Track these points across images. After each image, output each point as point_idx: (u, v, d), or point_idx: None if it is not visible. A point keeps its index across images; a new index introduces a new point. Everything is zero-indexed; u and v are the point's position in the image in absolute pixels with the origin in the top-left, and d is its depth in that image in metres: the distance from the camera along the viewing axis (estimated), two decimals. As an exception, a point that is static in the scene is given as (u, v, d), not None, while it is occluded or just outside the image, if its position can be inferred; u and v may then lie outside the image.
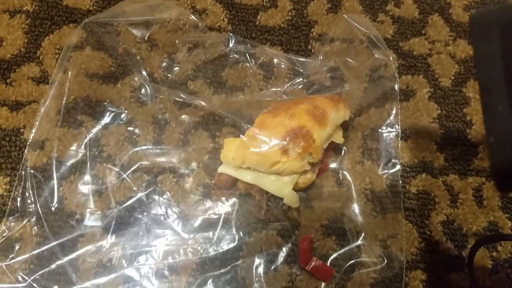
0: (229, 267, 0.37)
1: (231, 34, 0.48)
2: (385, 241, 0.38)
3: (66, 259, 0.37)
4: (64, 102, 0.44)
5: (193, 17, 0.46)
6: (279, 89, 0.46)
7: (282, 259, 0.37)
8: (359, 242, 0.38)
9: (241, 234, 0.38)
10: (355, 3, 0.51)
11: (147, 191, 0.40)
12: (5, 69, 0.46)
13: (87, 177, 0.40)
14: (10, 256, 0.37)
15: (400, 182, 0.41)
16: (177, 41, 0.46)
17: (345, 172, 0.42)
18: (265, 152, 0.37)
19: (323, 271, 0.36)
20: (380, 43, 0.44)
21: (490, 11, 0.31)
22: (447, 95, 0.47)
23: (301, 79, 0.46)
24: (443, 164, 0.43)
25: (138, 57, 0.46)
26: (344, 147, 0.42)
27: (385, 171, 0.41)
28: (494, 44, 0.26)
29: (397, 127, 0.42)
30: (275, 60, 0.47)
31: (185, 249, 0.37)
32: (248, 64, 0.47)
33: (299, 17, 0.50)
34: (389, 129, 0.43)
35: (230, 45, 0.48)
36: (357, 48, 0.46)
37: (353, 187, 0.41)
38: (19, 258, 0.37)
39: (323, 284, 0.36)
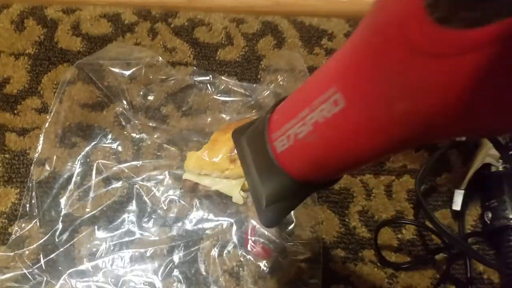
0: (192, 253, 0.48)
1: (195, 67, 0.58)
2: (313, 227, 0.49)
3: (63, 249, 0.46)
4: (61, 127, 0.52)
5: (161, 58, 0.56)
6: (235, 107, 0.57)
7: (233, 244, 0.48)
8: (291, 227, 0.49)
9: (203, 226, 0.49)
10: (296, 40, 0.62)
11: (129, 195, 0.49)
12: (12, 102, 0.55)
13: (80, 187, 0.50)
14: (21, 250, 0.47)
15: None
16: (151, 76, 0.56)
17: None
18: (218, 161, 0.48)
19: (264, 252, 0.47)
20: (313, 71, 0.56)
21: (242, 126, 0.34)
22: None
23: (251, 102, 0.57)
24: (361, 166, 0.54)
25: (120, 89, 0.54)
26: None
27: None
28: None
29: None
30: (231, 88, 0.57)
31: (159, 239, 0.48)
32: (209, 91, 0.56)
33: (250, 52, 0.60)
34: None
35: (195, 76, 0.57)
36: (296, 76, 0.57)
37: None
38: (28, 251, 0.47)
39: (264, 261, 0.47)
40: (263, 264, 0.46)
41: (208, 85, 0.57)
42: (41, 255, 0.46)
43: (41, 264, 0.45)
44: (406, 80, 0.18)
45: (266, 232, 0.48)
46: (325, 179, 0.28)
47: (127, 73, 0.55)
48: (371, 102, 0.21)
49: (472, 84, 0.16)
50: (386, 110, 0.20)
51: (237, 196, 0.48)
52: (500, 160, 0.51)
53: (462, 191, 0.51)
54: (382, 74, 0.19)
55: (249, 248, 0.47)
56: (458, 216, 0.51)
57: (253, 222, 0.48)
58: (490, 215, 0.50)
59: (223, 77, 0.57)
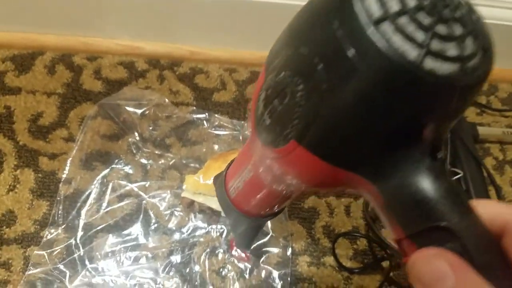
0: (187, 256, 0.59)
1: (195, 107, 0.71)
2: (285, 238, 0.61)
3: (83, 250, 0.57)
4: (84, 153, 0.64)
5: (167, 100, 0.69)
6: (225, 139, 0.69)
7: (220, 250, 0.59)
8: (268, 237, 0.60)
9: (197, 235, 0.61)
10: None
11: (138, 209, 0.61)
12: (45, 132, 0.66)
13: (98, 201, 0.62)
14: (50, 250, 0.58)
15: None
16: (158, 114, 0.69)
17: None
18: (210, 183, 0.60)
19: (245, 256, 0.58)
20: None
21: None
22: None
23: (239, 136, 0.69)
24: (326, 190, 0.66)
25: (132, 124, 0.67)
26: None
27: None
28: None
29: None
30: (223, 124, 0.69)
31: (160, 244, 0.60)
32: (205, 126, 0.68)
33: (240, 96, 0.73)
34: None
35: (194, 114, 0.69)
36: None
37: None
38: (56, 251, 0.58)
39: (244, 264, 0.58)
40: (243, 266, 0.58)
41: (204, 121, 0.70)
42: (65, 255, 0.57)
43: (66, 262, 0.56)
44: (267, 165, 0.31)
45: (247, 241, 0.60)
46: (266, 214, 0.41)
47: (139, 111, 0.68)
48: (262, 174, 0.34)
49: (286, 171, 0.29)
50: (271, 178, 0.33)
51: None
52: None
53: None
54: (260, 161, 0.33)
55: (233, 253, 0.59)
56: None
57: (237, 232, 0.60)
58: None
59: (217, 115, 0.70)
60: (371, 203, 0.27)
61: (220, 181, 0.42)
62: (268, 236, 0.60)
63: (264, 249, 0.59)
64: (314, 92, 0.22)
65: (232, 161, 0.41)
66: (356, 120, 0.22)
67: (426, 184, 0.23)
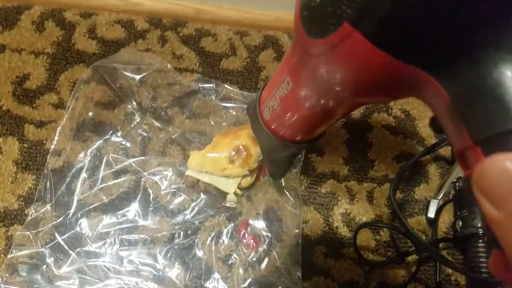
0: (190, 241, 0.53)
1: (200, 75, 0.62)
2: (298, 225, 0.54)
3: (74, 231, 0.51)
4: (75, 122, 0.56)
5: (169, 65, 0.61)
6: (234, 114, 0.62)
7: (228, 235, 0.53)
8: (281, 224, 0.54)
9: (201, 218, 0.54)
10: (294, 54, 0.68)
11: (135, 187, 0.54)
12: (32, 97, 0.59)
13: (91, 177, 0.54)
14: (36, 230, 0.51)
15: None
16: (159, 81, 0.61)
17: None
18: (218, 161, 0.53)
19: (253, 243, 0.52)
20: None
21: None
22: (355, 124, 0.62)
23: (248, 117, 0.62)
24: (347, 173, 0.58)
25: (130, 91, 0.59)
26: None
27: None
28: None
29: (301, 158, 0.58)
30: (232, 95, 0.61)
31: (161, 227, 0.53)
32: (212, 97, 0.61)
33: (252, 63, 0.65)
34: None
35: (199, 83, 0.61)
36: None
37: (282, 188, 0.56)
38: (42, 231, 0.51)
39: (253, 252, 0.52)
40: (252, 255, 0.52)
41: (211, 91, 0.62)
42: (53, 236, 0.51)
43: (53, 244, 0.50)
44: (310, 69, 0.28)
45: (256, 226, 0.53)
46: (300, 139, 0.37)
47: (138, 77, 0.60)
48: (303, 83, 0.30)
49: (334, 70, 0.25)
50: (312, 87, 0.30)
51: (231, 196, 0.53)
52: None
53: (437, 201, 0.57)
54: (303, 66, 0.29)
55: (240, 239, 0.52)
56: (432, 223, 0.56)
57: (246, 216, 0.54)
58: (460, 223, 0.54)
59: (225, 85, 0.62)
60: (432, 107, 0.23)
61: (254, 103, 0.39)
62: (280, 222, 0.53)
63: (274, 236, 0.53)
64: None
65: (266, 84, 0.38)
66: None
67: (509, 76, 0.18)
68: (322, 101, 0.30)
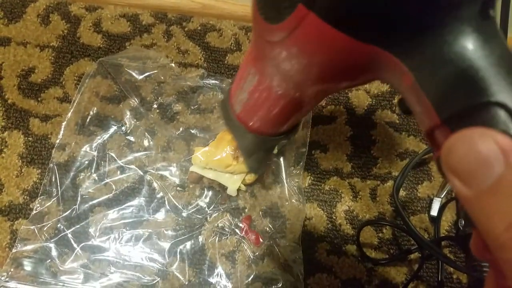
0: (194, 236, 0.53)
1: (205, 70, 0.62)
2: (302, 222, 0.55)
3: (78, 226, 0.51)
4: (80, 116, 0.57)
5: (174, 64, 0.61)
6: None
7: (231, 231, 0.53)
8: (284, 220, 0.54)
9: (205, 214, 0.54)
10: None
11: (140, 182, 0.54)
12: (37, 90, 0.59)
13: (96, 171, 0.54)
14: (41, 224, 0.52)
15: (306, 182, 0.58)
16: (164, 76, 0.60)
17: (281, 174, 0.57)
18: (222, 158, 0.53)
19: (256, 239, 0.52)
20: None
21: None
22: (359, 120, 0.62)
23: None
24: (350, 170, 0.58)
25: (135, 86, 0.59)
26: (281, 158, 0.59)
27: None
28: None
29: (305, 148, 0.58)
30: None
31: (165, 222, 0.53)
32: (217, 93, 0.61)
33: None
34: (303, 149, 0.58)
35: (204, 78, 0.61)
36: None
37: (285, 184, 0.56)
38: (47, 225, 0.52)
39: (256, 248, 0.52)
40: (255, 250, 0.52)
41: (215, 86, 0.62)
42: (57, 230, 0.51)
43: (58, 238, 0.50)
44: (271, 57, 0.27)
45: (259, 222, 0.54)
46: (274, 132, 0.36)
47: (143, 72, 0.60)
48: (267, 73, 0.30)
49: (294, 56, 0.25)
50: (277, 77, 0.29)
51: (232, 189, 0.53)
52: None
53: (440, 199, 0.57)
54: (264, 55, 0.28)
55: (243, 234, 0.52)
56: (435, 221, 0.56)
57: (249, 212, 0.54)
58: (463, 222, 0.55)
59: (230, 80, 0.62)
60: (397, 88, 0.23)
61: (225, 99, 0.39)
62: (283, 219, 0.54)
63: (277, 232, 0.53)
64: None
65: (235, 77, 0.37)
66: None
67: (472, 49, 0.18)
68: (288, 91, 0.29)
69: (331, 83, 0.26)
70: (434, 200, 0.57)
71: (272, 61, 0.27)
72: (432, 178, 0.59)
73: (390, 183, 0.58)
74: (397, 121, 0.62)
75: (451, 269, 0.54)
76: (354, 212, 0.56)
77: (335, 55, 0.22)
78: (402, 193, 0.58)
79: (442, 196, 0.57)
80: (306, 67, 0.25)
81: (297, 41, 0.23)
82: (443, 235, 0.56)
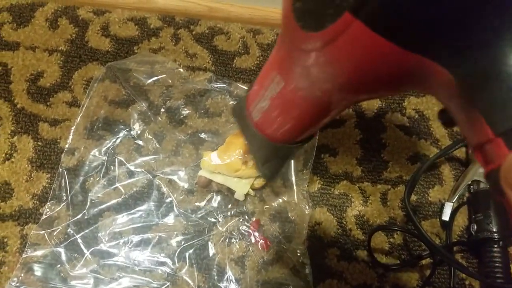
0: (203, 241, 0.52)
1: (213, 74, 0.62)
2: (312, 227, 0.54)
3: (88, 230, 0.51)
4: (89, 120, 0.57)
5: (182, 70, 0.61)
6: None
7: (239, 236, 0.53)
8: (293, 225, 0.54)
9: (214, 218, 0.54)
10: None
11: (149, 186, 0.54)
12: (45, 95, 0.59)
13: (105, 176, 0.54)
14: (51, 229, 0.52)
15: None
16: (172, 80, 0.60)
17: (290, 178, 0.57)
18: (231, 162, 0.53)
19: (265, 243, 0.52)
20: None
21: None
22: (369, 124, 0.61)
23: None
24: (360, 174, 0.57)
25: (143, 90, 0.59)
26: (292, 162, 0.58)
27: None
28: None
29: (313, 152, 0.57)
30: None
31: (173, 226, 0.53)
32: (225, 97, 0.60)
33: (264, 62, 0.64)
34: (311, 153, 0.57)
35: (212, 82, 0.61)
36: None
37: (295, 189, 0.56)
38: (57, 230, 0.52)
39: (265, 253, 0.52)
40: (264, 256, 0.51)
41: (224, 90, 0.62)
42: (67, 235, 0.51)
43: (68, 243, 0.50)
44: (304, 65, 0.26)
45: (268, 227, 0.53)
46: (293, 140, 0.35)
47: (151, 77, 0.60)
48: (296, 81, 0.28)
49: (331, 64, 0.24)
50: (307, 85, 0.28)
51: (240, 193, 0.53)
52: (489, 177, 0.55)
53: (452, 204, 0.56)
54: (295, 62, 0.27)
55: (252, 239, 0.52)
56: (446, 226, 0.55)
57: (258, 217, 0.54)
58: (475, 227, 0.54)
59: (238, 84, 0.62)
60: (441, 99, 0.22)
61: (240, 105, 0.37)
62: (292, 224, 0.53)
63: (286, 237, 0.52)
64: None
65: (252, 84, 0.36)
66: None
67: None
68: (317, 99, 0.28)
69: (366, 93, 0.26)
70: (445, 204, 0.56)
71: (303, 69, 0.26)
72: (444, 182, 0.59)
73: (401, 187, 0.57)
74: (408, 124, 0.62)
75: (463, 275, 0.54)
76: (365, 217, 0.56)
77: (379, 64, 0.21)
78: (413, 197, 0.57)
79: (453, 200, 0.56)
80: (343, 76, 0.24)
81: (338, 49, 0.22)
82: (455, 240, 0.55)
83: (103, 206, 0.53)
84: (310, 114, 0.30)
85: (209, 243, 0.52)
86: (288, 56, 0.28)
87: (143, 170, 0.55)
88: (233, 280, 0.50)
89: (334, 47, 0.22)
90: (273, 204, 0.55)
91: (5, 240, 0.51)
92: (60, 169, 0.54)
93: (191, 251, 0.51)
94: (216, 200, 0.55)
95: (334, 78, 0.24)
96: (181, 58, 0.64)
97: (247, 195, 0.54)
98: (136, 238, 0.51)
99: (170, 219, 0.53)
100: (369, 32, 0.19)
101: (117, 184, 0.54)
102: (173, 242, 0.52)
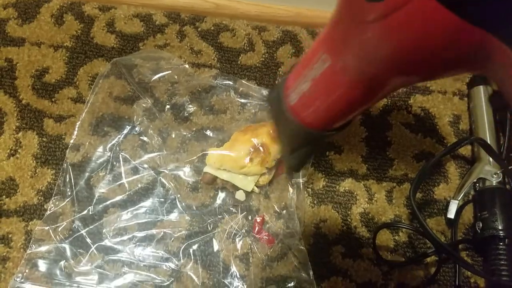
0: (207, 237, 0.52)
1: (218, 70, 0.62)
2: (316, 224, 0.54)
3: (93, 226, 0.51)
4: (94, 116, 0.57)
5: (187, 66, 0.61)
6: (252, 111, 0.62)
7: (244, 233, 0.52)
8: (297, 222, 0.53)
9: (218, 215, 0.54)
10: (313, 50, 0.67)
11: (154, 183, 0.54)
12: (51, 91, 0.59)
13: (110, 172, 0.54)
14: (55, 225, 0.52)
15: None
16: (177, 77, 0.60)
17: (295, 175, 0.57)
18: (236, 159, 0.53)
19: (269, 239, 0.52)
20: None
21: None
22: (374, 121, 0.61)
23: (268, 106, 0.61)
24: (366, 172, 0.57)
25: (148, 86, 0.59)
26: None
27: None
28: None
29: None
30: (250, 91, 0.60)
31: (178, 223, 0.53)
32: (230, 93, 0.60)
33: (270, 59, 0.64)
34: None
35: (217, 78, 0.61)
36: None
37: (301, 186, 0.56)
38: (61, 226, 0.52)
39: (270, 250, 0.51)
40: (269, 253, 0.51)
41: (229, 87, 0.62)
42: (72, 231, 0.51)
43: (72, 239, 0.50)
44: (360, 40, 0.25)
45: (273, 224, 0.53)
46: (328, 126, 0.35)
47: (157, 73, 0.60)
48: (347, 58, 0.28)
49: (391, 38, 0.22)
50: (359, 62, 0.27)
51: (241, 194, 0.53)
52: (495, 176, 0.55)
53: (457, 201, 0.56)
54: (351, 37, 0.26)
55: (256, 235, 0.52)
56: (452, 224, 0.55)
57: (263, 213, 0.53)
58: (480, 225, 0.53)
59: (243, 81, 0.62)
60: (497, 81, 0.21)
61: (277, 90, 0.36)
62: (297, 222, 0.53)
63: (290, 234, 0.52)
64: None
65: (292, 66, 0.35)
66: None
67: None
68: (363, 81, 0.27)
69: (415, 73, 0.24)
70: (451, 202, 0.56)
71: (360, 44, 0.25)
72: (449, 180, 0.58)
73: (406, 185, 0.57)
74: (413, 122, 0.61)
75: (469, 273, 0.53)
76: (370, 215, 0.55)
77: (441, 40, 0.20)
78: (418, 195, 0.57)
79: (459, 198, 0.56)
80: (399, 52, 0.23)
81: (400, 21, 0.21)
82: (460, 238, 0.55)
83: (107, 202, 0.53)
84: (351, 96, 0.30)
85: (214, 239, 0.52)
86: (343, 33, 0.27)
87: (148, 166, 0.55)
88: (238, 276, 0.50)
89: (397, 18, 0.21)
90: (277, 201, 0.54)
91: (10, 236, 0.51)
92: (65, 165, 0.54)
93: (195, 247, 0.51)
94: (221, 197, 0.54)
95: (388, 55, 0.24)
96: (186, 55, 0.64)
97: (252, 192, 0.54)
98: (140, 234, 0.51)
99: (174, 216, 0.53)
100: (434, 3, 0.18)
101: (122, 181, 0.54)
102: (177, 238, 0.52)
